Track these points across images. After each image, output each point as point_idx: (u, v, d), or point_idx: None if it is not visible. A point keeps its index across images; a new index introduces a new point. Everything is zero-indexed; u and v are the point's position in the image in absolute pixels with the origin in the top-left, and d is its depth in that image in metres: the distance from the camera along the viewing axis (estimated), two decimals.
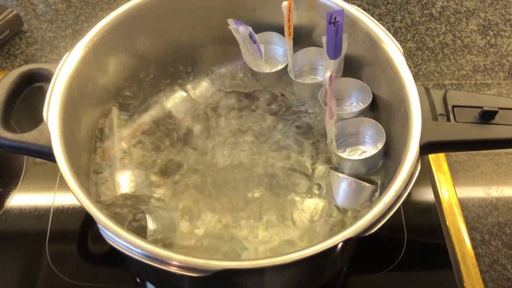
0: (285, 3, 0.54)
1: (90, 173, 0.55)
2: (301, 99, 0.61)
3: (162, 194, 0.54)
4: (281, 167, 0.56)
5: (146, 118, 0.59)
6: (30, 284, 0.59)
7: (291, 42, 0.57)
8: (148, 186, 0.54)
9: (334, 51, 0.54)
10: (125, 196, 0.53)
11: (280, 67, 0.61)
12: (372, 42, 0.54)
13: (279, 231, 0.52)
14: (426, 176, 0.67)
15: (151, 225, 0.51)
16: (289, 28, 0.55)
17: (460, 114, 0.51)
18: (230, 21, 0.56)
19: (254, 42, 0.57)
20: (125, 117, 0.59)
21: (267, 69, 0.62)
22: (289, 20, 0.55)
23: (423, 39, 0.85)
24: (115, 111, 0.59)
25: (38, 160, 0.67)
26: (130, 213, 0.52)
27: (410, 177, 0.45)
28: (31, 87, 0.55)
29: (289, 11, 0.54)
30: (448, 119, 0.51)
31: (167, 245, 0.50)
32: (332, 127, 0.54)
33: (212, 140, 0.58)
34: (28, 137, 0.49)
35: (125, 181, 0.54)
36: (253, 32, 0.56)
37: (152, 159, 0.56)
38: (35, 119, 0.51)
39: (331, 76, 0.50)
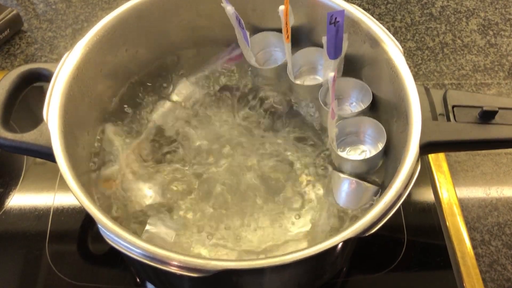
0: (281, 7, 0.54)
1: (96, 194, 0.54)
2: (301, 99, 0.61)
3: (165, 205, 0.54)
4: (281, 168, 0.56)
5: (147, 125, 0.59)
6: (30, 284, 0.59)
7: (290, 45, 0.57)
8: (154, 198, 0.54)
9: (334, 51, 0.54)
10: (135, 211, 0.54)
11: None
12: (372, 42, 0.54)
13: (279, 231, 0.52)
14: (426, 176, 0.67)
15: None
16: (287, 32, 0.55)
17: (460, 114, 0.51)
18: None
19: (243, 29, 0.57)
20: (123, 133, 0.58)
21: (261, 63, 0.62)
22: (286, 23, 0.55)
23: (423, 39, 0.85)
24: (110, 129, 0.58)
25: (38, 160, 0.67)
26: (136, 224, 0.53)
27: (410, 177, 0.45)
28: (31, 87, 0.54)
29: (286, 14, 0.54)
30: (448, 119, 0.51)
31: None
32: (333, 127, 0.54)
33: (211, 144, 0.58)
34: (28, 137, 0.49)
35: (135, 197, 0.54)
36: (240, 18, 0.56)
37: (155, 171, 0.56)
38: (35, 119, 0.51)
39: (334, 77, 0.50)
